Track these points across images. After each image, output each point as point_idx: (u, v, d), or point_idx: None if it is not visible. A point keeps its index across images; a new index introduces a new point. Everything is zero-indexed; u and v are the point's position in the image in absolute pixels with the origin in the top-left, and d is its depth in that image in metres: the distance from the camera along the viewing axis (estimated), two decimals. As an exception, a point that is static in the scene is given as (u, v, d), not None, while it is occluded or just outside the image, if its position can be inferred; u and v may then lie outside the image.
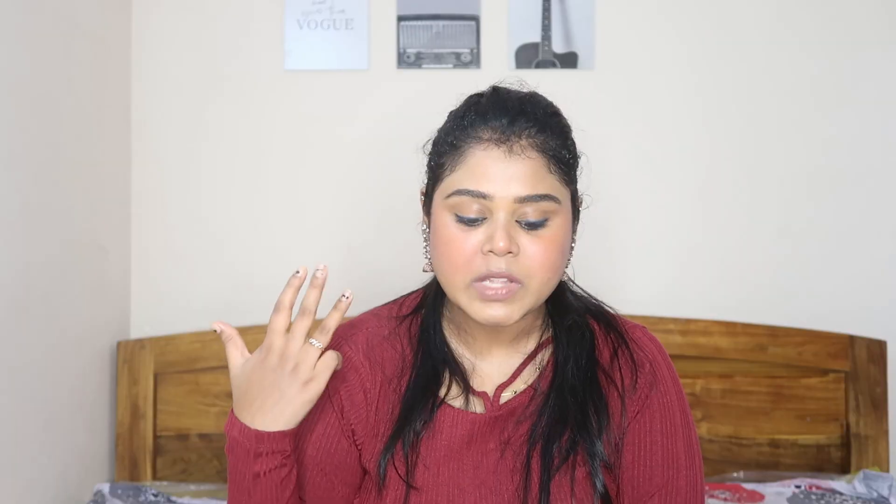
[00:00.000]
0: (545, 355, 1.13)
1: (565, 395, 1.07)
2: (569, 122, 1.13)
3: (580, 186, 1.11)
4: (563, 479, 1.05)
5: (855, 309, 1.99)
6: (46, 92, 1.62)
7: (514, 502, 1.06)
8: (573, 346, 1.11)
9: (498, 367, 1.12)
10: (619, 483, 1.09)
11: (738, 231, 2.02)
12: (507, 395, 1.10)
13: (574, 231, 1.11)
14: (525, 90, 1.13)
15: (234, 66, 2.03)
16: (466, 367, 1.11)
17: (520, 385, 1.11)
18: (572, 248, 1.11)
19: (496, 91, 1.10)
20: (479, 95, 1.10)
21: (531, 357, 1.12)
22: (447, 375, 1.10)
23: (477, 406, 1.09)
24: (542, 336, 1.13)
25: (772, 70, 2.01)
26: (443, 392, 1.09)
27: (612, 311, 1.16)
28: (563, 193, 1.06)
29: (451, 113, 1.12)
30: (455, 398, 1.09)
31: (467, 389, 1.09)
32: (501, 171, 1.01)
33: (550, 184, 1.04)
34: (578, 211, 1.12)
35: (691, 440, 1.11)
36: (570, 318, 1.13)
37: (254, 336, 1.95)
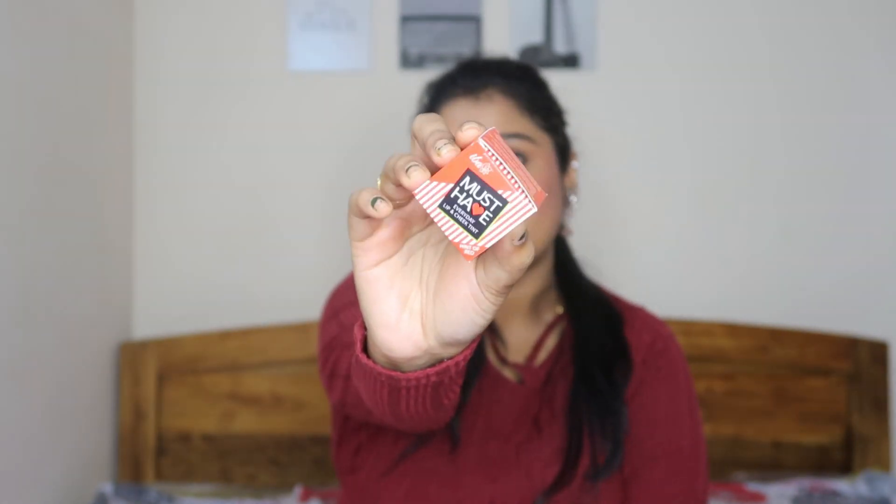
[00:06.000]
0: (562, 326, 1.17)
1: (589, 362, 1.11)
2: (546, 77, 1.16)
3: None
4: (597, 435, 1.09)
5: (857, 310, 1.99)
6: (48, 92, 1.62)
7: (557, 458, 1.07)
8: (590, 316, 1.14)
9: (523, 338, 1.15)
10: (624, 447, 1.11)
11: (740, 232, 2.02)
12: (538, 361, 1.14)
13: (569, 185, 1.14)
14: (498, 56, 1.16)
15: (236, 66, 2.03)
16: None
17: (542, 355, 1.15)
18: (571, 201, 1.13)
19: (466, 59, 1.16)
20: (452, 67, 1.14)
21: (550, 328, 1.16)
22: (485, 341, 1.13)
23: (509, 374, 1.13)
24: (556, 307, 1.17)
25: (774, 71, 2.01)
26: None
27: (612, 293, 1.22)
28: (539, 136, 1.07)
29: (426, 85, 1.17)
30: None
31: (501, 358, 1.13)
32: (468, 117, 1.03)
33: (522, 125, 1.06)
34: (568, 163, 1.14)
35: (694, 409, 1.14)
36: (584, 290, 1.17)
37: (257, 336, 1.96)
